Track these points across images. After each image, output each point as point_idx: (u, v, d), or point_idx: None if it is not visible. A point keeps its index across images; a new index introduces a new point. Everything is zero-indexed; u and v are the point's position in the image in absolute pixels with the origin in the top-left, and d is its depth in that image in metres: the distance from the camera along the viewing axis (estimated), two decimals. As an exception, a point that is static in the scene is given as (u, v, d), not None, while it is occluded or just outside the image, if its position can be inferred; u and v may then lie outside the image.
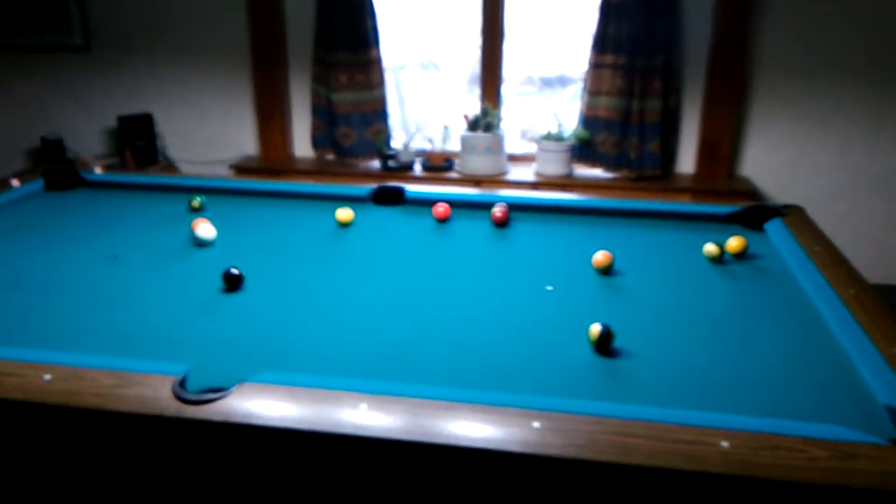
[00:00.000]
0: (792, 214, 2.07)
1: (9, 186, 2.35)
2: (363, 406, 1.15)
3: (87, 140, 3.89)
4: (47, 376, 1.22)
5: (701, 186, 3.29)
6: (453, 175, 3.46)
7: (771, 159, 3.36)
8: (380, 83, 3.58)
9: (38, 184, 2.43)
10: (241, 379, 1.21)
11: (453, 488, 1.13)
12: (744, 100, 3.30)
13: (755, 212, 2.09)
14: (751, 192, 3.23)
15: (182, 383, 1.20)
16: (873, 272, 3.29)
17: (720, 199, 2.40)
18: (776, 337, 1.46)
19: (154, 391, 1.18)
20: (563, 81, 3.93)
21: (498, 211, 2.10)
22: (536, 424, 1.11)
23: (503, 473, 1.09)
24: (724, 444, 1.06)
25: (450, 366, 1.35)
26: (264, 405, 1.15)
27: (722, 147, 3.34)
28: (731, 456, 1.04)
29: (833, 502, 1.00)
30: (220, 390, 1.18)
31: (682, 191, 3.27)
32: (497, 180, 3.38)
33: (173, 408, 1.15)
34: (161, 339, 1.44)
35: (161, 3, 3.61)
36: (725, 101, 3.27)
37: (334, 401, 1.16)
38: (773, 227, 2.01)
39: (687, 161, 3.44)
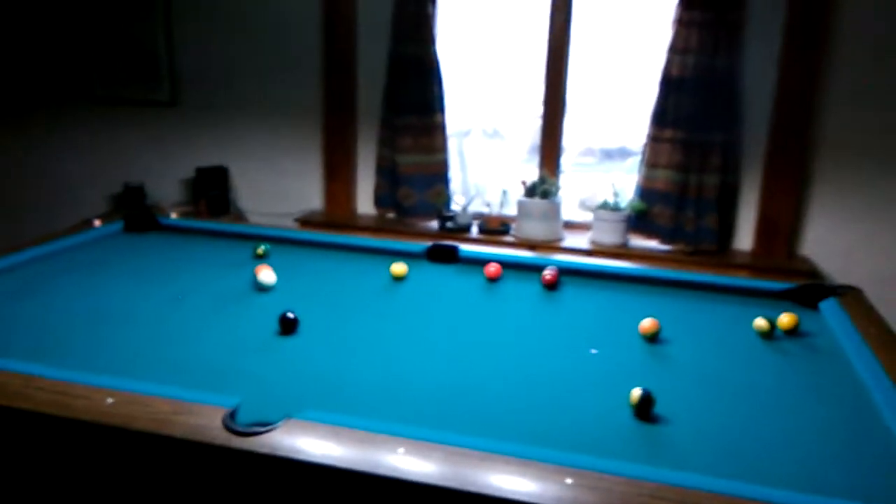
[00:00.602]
0: (848, 295, 2.04)
1: (91, 226, 2.53)
2: (401, 450, 1.19)
3: (166, 188, 4.13)
4: (110, 400, 1.31)
5: (759, 264, 3.26)
6: (509, 239, 3.52)
7: (834, 239, 3.31)
8: (443, 148, 3.71)
9: (118, 225, 2.60)
10: (287, 415, 1.26)
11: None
12: (806, 177, 3.28)
13: (810, 290, 2.07)
14: (811, 272, 3.18)
15: (233, 415, 1.27)
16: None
17: (778, 276, 2.38)
18: (822, 415, 1.44)
19: (206, 420, 1.25)
20: (623, 153, 3.99)
21: (548, 273, 2.14)
22: (569, 481, 1.13)
23: (533, 527, 1.10)
24: (759, 515, 1.06)
25: (489, 419, 1.38)
26: (307, 441, 1.20)
27: (782, 225, 3.31)
28: (766, 528, 1.03)
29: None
30: (267, 424, 1.24)
31: (739, 267, 3.24)
32: (552, 246, 3.42)
33: (222, 437, 1.21)
34: (217, 373, 1.52)
35: (243, 64, 3.87)
36: (786, 179, 3.26)
37: (374, 442, 1.20)
38: (828, 307, 1.99)
39: (745, 237, 3.42)
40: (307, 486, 1.20)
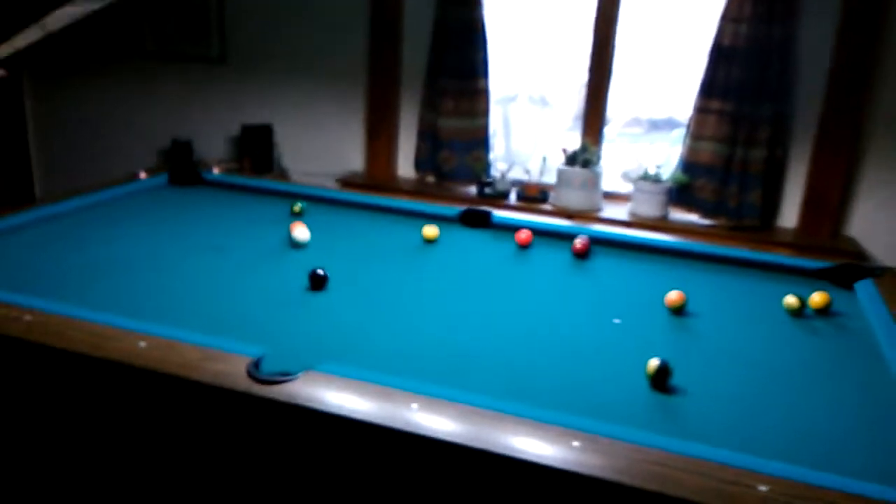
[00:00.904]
0: (887, 277, 1.99)
1: (137, 178, 2.61)
2: (414, 405, 1.22)
3: (213, 145, 4.22)
4: (143, 343, 1.37)
5: (802, 242, 3.18)
6: (547, 207, 3.50)
7: (882, 220, 3.20)
8: (485, 112, 3.69)
9: (163, 178, 2.68)
10: (308, 367, 1.31)
11: (489, 494, 1.18)
12: (858, 155, 3.17)
13: (846, 270, 2.03)
14: (855, 253, 3.09)
15: (257, 364, 1.32)
16: None
17: (821, 256, 2.32)
18: (843, 394, 1.42)
19: (231, 368, 1.30)
20: (670, 124, 3.91)
21: (578, 242, 2.14)
22: (576, 443, 1.15)
23: (538, 486, 1.13)
24: (763, 488, 1.06)
25: (505, 381, 1.40)
26: (325, 392, 1.25)
27: (828, 203, 3.22)
28: (768, 501, 1.04)
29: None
30: (288, 374, 1.29)
31: (782, 245, 3.16)
32: (590, 216, 3.40)
33: (245, 384, 1.26)
34: (246, 324, 1.57)
35: (291, 24, 3.90)
36: (837, 156, 3.15)
37: (388, 396, 1.24)
38: (864, 288, 1.94)
39: (790, 215, 3.33)
40: (322, 435, 1.25)
